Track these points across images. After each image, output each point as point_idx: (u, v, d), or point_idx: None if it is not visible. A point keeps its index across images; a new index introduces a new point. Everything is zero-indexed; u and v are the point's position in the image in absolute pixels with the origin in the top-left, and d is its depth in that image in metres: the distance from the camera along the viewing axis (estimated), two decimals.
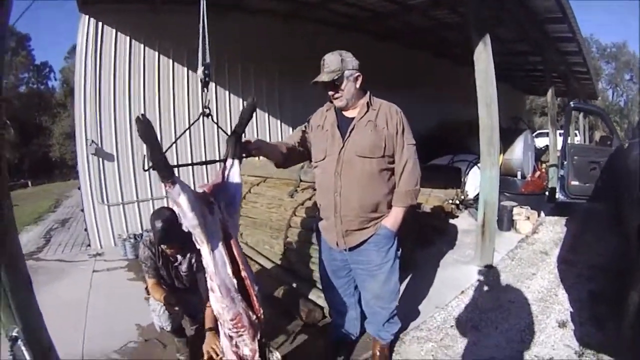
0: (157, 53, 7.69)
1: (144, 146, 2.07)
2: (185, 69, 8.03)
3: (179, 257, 3.42)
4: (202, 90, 2.55)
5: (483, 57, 5.13)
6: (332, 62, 2.80)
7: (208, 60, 2.51)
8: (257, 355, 2.48)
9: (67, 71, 39.50)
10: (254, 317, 2.41)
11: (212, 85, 8.02)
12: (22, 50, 40.93)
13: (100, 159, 7.13)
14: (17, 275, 2.18)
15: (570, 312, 4.12)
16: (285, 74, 9.61)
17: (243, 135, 2.60)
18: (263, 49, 9.11)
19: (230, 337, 2.45)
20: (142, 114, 2.05)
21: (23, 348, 2.08)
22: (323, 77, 2.79)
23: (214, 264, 2.29)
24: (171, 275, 3.49)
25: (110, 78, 7.19)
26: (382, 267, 3.01)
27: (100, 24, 7.00)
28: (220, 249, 2.31)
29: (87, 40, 6.94)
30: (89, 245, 7.30)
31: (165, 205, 7.08)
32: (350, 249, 3.00)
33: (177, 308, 3.31)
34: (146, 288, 3.62)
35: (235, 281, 2.33)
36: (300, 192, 5.22)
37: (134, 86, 7.45)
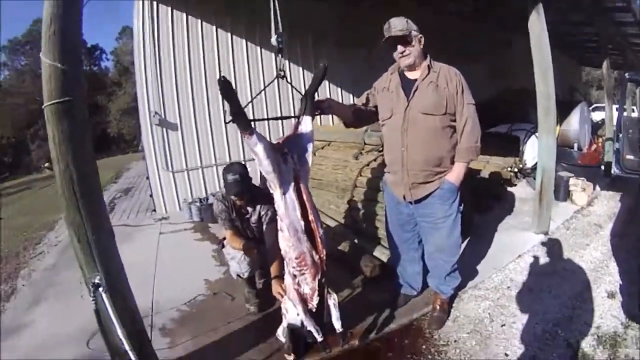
0: (214, 27, 7.87)
1: (226, 102, 2.34)
2: (244, 40, 8.21)
3: (249, 209, 3.66)
4: (277, 56, 2.83)
5: (537, 26, 5.06)
6: (399, 23, 2.94)
7: (280, 29, 2.76)
8: (316, 294, 2.70)
9: (119, 51, 40.42)
10: (317, 257, 2.62)
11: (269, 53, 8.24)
12: None
13: (164, 129, 7.44)
14: (101, 228, 2.42)
15: (620, 284, 4.09)
16: (342, 42, 9.67)
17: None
18: (320, 17, 9.18)
19: (294, 276, 2.68)
20: (222, 76, 2.28)
21: (104, 295, 2.29)
22: (395, 32, 2.91)
23: (285, 206, 2.53)
24: (243, 226, 3.74)
25: (169, 54, 7.45)
26: (446, 220, 3.15)
27: (155, 3, 7.24)
28: (291, 193, 2.55)
29: (143, 20, 7.19)
30: (154, 210, 7.70)
31: None
32: (416, 202, 3.15)
33: (255, 251, 3.56)
34: (222, 241, 3.89)
35: (302, 223, 2.56)
36: (364, 154, 5.30)
37: (193, 59, 7.68)
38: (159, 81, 7.37)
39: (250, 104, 3.04)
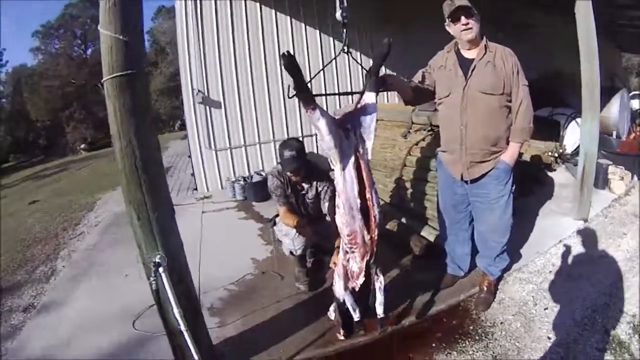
0: (258, 4, 7.78)
1: (289, 77, 2.37)
2: (288, 17, 8.13)
3: (304, 185, 3.70)
4: (342, 31, 2.79)
5: (584, 9, 4.99)
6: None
7: (345, 3, 2.73)
8: (362, 274, 2.75)
9: (155, 31, 40.48)
10: (368, 237, 2.65)
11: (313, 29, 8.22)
12: None
13: (207, 107, 7.47)
14: (162, 205, 2.43)
15: None
16: (388, 24, 9.29)
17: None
18: None
19: (345, 252, 2.74)
20: (287, 51, 2.31)
21: (163, 275, 2.32)
22: (464, 2, 2.94)
23: (343, 182, 2.56)
24: (298, 202, 3.78)
25: (213, 31, 7.41)
26: (500, 200, 3.19)
27: None
28: (351, 170, 2.57)
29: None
30: (196, 189, 7.76)
31: (273, 148, 7.61)
32: (472, 182, 3.20)
33: (308, 229, 3.61)
34: (274, 218, 3.96)
35: (359, 201, 2.58)
36: (413, 133, 5.27)
37: (237, 36, 7.63)
38: (202, 59, 7.37)
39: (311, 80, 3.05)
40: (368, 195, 2.64)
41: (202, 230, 5.78)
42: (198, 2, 7.25)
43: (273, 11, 7.97)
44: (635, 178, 7.44)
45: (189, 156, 7.78)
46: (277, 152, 7.63)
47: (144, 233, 2.41)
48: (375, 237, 2.69)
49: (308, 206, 3.80)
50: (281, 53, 2.38)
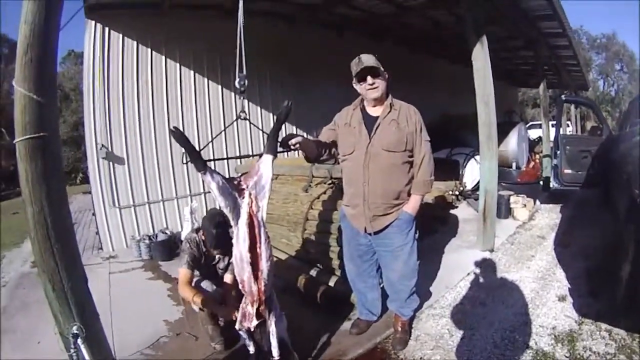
0: (164, 57, 7.68)
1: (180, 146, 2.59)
2: (192, 72, 8.06)
3: (218, 257, 3.79)
4: (240, 98, 3.05)
5: (480, 57, 5.42)
6: (369, 58, 3.12)
7: (244, 72, 2.91)
8: (254, 318, 2.84)
9: (62, 76, 38.61)
10: (256, 287, 2.78)
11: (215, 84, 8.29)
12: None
13: (111, 163, 7.16)
14: (76, 273, 2.32)
15: (569, 287, 4.42)
16: (292, 76, 9.67)
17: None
18: (271, 52, 8.96)
19: (243, 295, 2.88)
20: (174, 127, 2.58)
21: (82, 345, 2.22)
22: (369, 63, 3.09)
23: (236, 237, 2.75)
24: (209, 270, 3.83)
25: (118, 83, 7.18)
26: (404, 248, 3.31)
27: (107, 29, 6.98)
28: (243, 226, 2.74)
29: (94, 46, 6.91)
30: (101, 248, 7.31)
31: (176, 205, 7.59)
32: (375, 233, 3.30)
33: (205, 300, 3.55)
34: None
35: (249, 255, 2.72)
36: (314, 187, 5.31)
37: (142, 90, 7.45)
38: (106, 112, 7.09)
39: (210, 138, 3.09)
40: (259, 251, 2.77)
41: (110, 293, 5.42)
42: (106, 51, 7.02)
43: (177, 65, 7.88)
44: (538, 203, 7.92)
45: (93, 214, 7.39)
46: (180, 209, 7.74)
47: (60, 304, 2.24)
48: (263, 288, 2.79)
49: (219, 273, 3.84)
50: (170, 128, 2.60)
